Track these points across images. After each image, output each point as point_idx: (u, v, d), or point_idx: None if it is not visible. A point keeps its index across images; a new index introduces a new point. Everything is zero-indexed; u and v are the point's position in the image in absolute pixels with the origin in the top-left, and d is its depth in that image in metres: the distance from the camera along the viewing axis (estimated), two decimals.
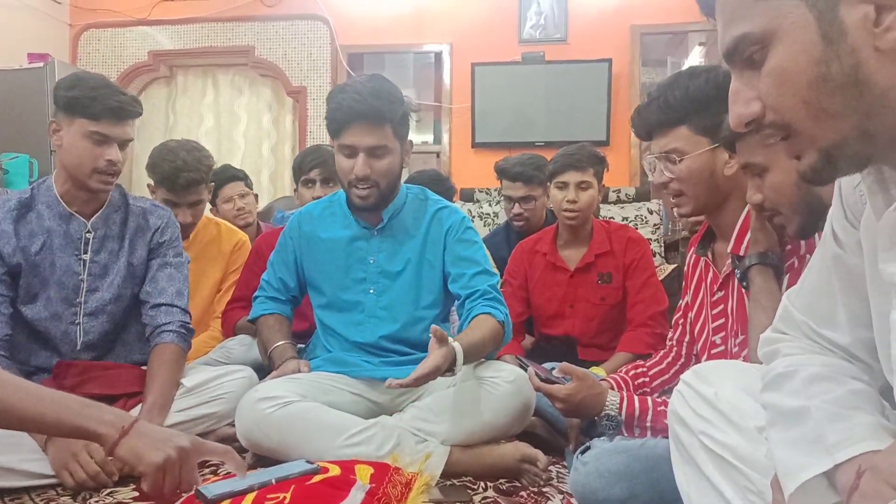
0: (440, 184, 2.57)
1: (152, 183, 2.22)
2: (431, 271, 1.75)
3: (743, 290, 1.33)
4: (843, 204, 0.78)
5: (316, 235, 1.79)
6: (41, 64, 4.16)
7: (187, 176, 2.12)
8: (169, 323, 1.74)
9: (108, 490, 1.46)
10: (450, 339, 1.45)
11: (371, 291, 1.74)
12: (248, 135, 5.27)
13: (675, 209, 1.43)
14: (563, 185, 2.18)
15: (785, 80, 0.62)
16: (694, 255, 1.55)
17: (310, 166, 2.27)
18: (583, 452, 1.32)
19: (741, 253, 1.33)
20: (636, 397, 1.41)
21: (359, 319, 1.74)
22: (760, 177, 1.19)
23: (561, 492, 1.47)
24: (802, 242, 1.30)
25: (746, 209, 1.35)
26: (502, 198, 2.73)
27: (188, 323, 1.79)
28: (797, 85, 0.61)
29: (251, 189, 2.96)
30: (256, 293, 1.86)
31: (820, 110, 0.61)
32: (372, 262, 1.75)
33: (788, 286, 1.26)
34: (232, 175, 2.84)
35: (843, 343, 0.79)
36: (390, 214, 1.74)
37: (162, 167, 2.14)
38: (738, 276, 1.32)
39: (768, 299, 1.24)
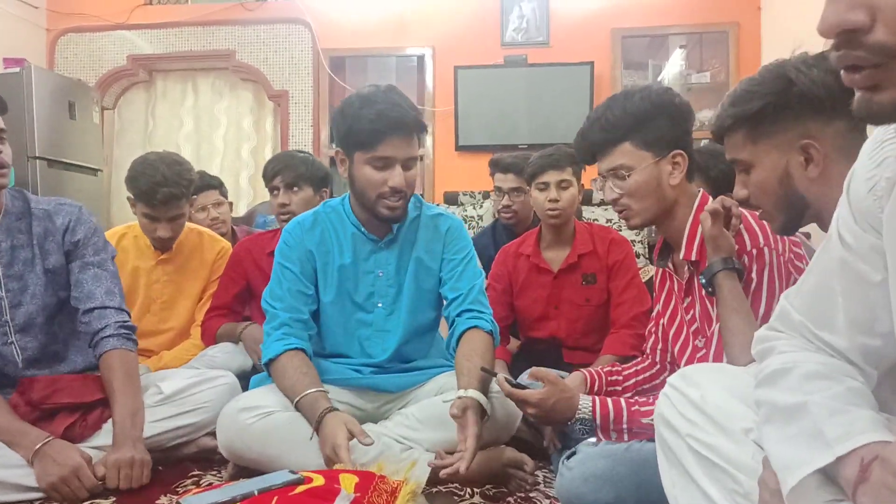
0: None
1: (132, 196, 2.16)
2: (430, 279, 1.73)
3: (707, 296, 1.37)
4: (852, 208, 0.76)
5: (320, 251, 1.69)
6: (17, 69, 4.08)
7: (166, 191, 2.05)
8: (105, 327, 1.64)
9: (89, 503, 1.44)
10: (464, 394, 1.46)
11: (379, 305, 1.70)
12: (228, 138, 5.23)
13: (625, 222, 1.47)
14: (545, 186, 2.19)
15: None
16: (658, 268, 1.58)
17: (271, 173, 2.23)
18: (568, 457, 1.31)
19: (692, 258, 1.38)
20: (609, 400, 1.39)
21: (366, 335, 1.70)
22: (746, 173, 1.20)
23: (548, 496, 1.46)
24: (746, 240, 1.33)
25: (691, 217, 1.41)
26: (494, 190, 2.75)
27: (126, 321, 1.69)
28: None
29: (226, 197, 2.92)
30: (267, 329, 1.65)
31: None
32: (381, 275, 1.70)
33: (744, 287, 1.29)
34: (206, 184, 2.77)
35: (840, 347, 0.77)
36: (398, 225, 1.70)
37: (140, 182, 2.07)
38: (703, 283, 1.35)
39: (739, 302, 1.27)
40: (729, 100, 1.20)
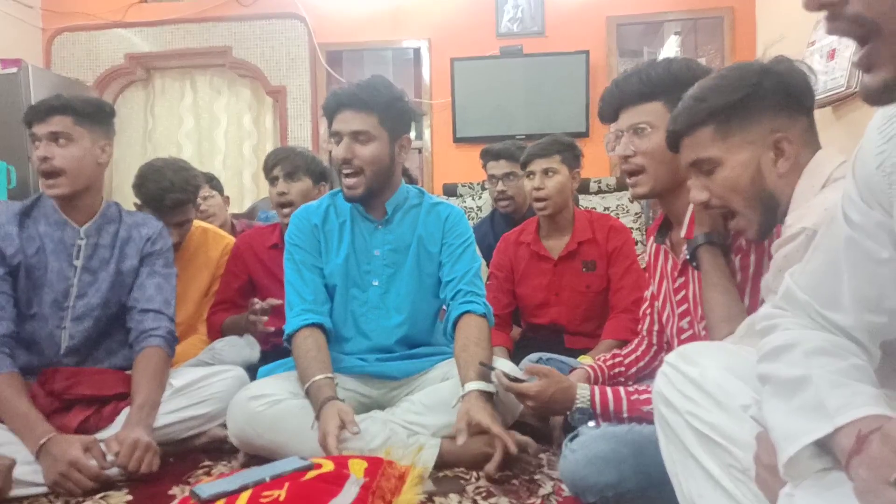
0: None
1: (139, 202, 2.19)
2: (431, 263, 1.77)
3: (693, 270, 1.36)
4: (859, 185, 0.75)
5: (325, 228, 1.78)
6: (14, 69, 4.09)
7: (174, 197, 2.11)
8: (157, 328, 1.75)
9: (101, 494, 1.46)
10: (469, 386, 1.51)
11: (375, 284, 1.75)
12: (229, 135, 5.23)
13: (631, 189, 1.42)
14: (531, 175, 2.23)
15: None
16: (654, 244, 1.57)
17: (271, 163, 2.28)
18: (571, 439, 1.33)
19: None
20: (608, 389, 1.41)
21: (361, 312, 1.75)
22: (708, 174, 1.17)
23: (552, 478, 1.49)
24: None
25: None
26: (488, 178, 2.80)
27: (174, 331, 1.80)
28: None
29: (220, 191, 2.94)
30: (287, 306, 1.73)
31: None
32: (377, 254, 1.76)
33: (741, 267, 1.29)
34: None
35: (844, 325, 0.78)
36: (393, 207, 1.76)
37: (148, 188, 2.12)
38: (688, 258, 1.35)
39: (719, 277, 1.26)
40: (694, 97, 1.17)
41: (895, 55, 0.54)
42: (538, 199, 2.20)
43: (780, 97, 1.12)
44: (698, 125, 1.17)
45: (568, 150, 2.25)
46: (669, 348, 1.59)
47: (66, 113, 1.70)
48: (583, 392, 1.42)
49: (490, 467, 1.43)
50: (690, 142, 1.19)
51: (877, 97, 0.58)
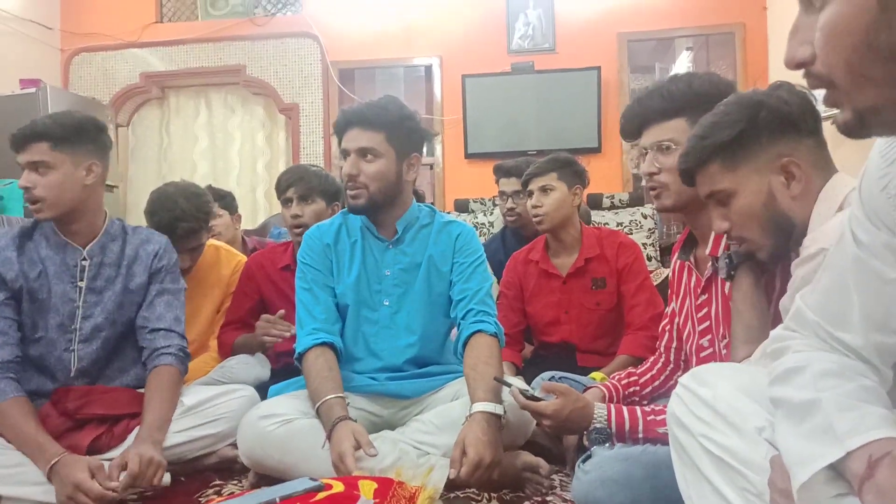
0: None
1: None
2: (442, 282, 1.77)
3: (727, 282, 1.33)
4: (865, 207, 0.77)
5: (337, 247, 1.79)
6: (33, 89, 4.17)
7: (186, 226, 2.12)
8: (168, 346, 1.75)
9: None
10: (475, 407, 1.48)
11: (385, 304, 1.76)
12: (243, 153, 5.29)
13: (656, 201, 1.43)
14: (530, 194, 2.25)
15: (833, 38, 0.60)
16: (678, 261, 1.56)
17: (285, 185, 2.26)
18: (584, 460, 1.32)
19: (719, 254, 1.35)
20: (625, 408, 1.39)
21: (372, 332, 1.75)
22: (725, 204, 1.20)
23: (564, 500, 1.47)
24: None
25: None
26: (499, 194, 2.86)
27: (186, 348, 1.80)
28: (843, 45, 0.59)
29: (233, 209, 2.96)
30: (298, 323, 1.74)
31: (860, 76, 0.59)
32: (388, 274, 1.76)
33: (766, 284, 1.27)
34: None
35: (854, 345, 0.78)
36: (404, 227, 1.77)
37: (160, 216, 2.12)
38: (723, 273, 1.33)
39: (758, 297, 1.25)
40: (698, 135, 1.20)
41: (849, 102, 0.62)
42: (536, 216, 2.21)
43: (778, 124, 1.14)
44: (706, 161, 1.20)
45: (565, 166, 2.24)
46: (686, 366, 1.58)
47: (42, 139, 1.66)
48: (600, 412, 1.40)
49: (460, 472, 1.38)
50: (702, 178, 1.23)
51: (846, 132, 0.64)
